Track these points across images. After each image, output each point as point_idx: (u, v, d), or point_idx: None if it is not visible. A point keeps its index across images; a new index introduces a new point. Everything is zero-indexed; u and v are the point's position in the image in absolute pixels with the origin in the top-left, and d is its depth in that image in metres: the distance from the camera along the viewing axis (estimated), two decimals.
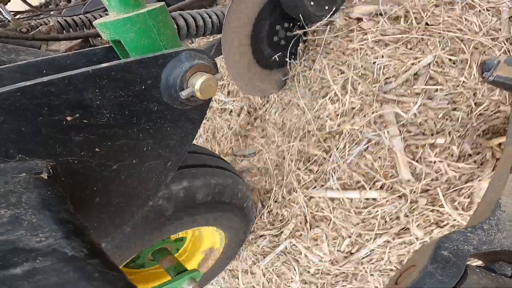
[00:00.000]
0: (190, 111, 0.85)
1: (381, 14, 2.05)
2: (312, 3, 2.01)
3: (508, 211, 0.83)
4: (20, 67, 0.81)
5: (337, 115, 2.01)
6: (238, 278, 2.35)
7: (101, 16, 2.62)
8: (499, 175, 1.01)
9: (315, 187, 2.05)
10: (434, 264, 0.71)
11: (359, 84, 1.98)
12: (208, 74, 0.76)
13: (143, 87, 0.75)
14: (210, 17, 1.87)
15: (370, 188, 1.88)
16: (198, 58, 0.78)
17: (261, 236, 2.26)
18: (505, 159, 1.07)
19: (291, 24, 2.20)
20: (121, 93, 0.72)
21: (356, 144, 1.92)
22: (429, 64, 1.82)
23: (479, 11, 1.80)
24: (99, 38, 2.28)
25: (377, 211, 1.85)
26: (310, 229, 2.06)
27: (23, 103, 0.61)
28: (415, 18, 1.92)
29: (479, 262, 0.83)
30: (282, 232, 2.18)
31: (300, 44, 2.30)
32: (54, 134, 0.66)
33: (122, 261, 1.49)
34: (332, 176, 1.97)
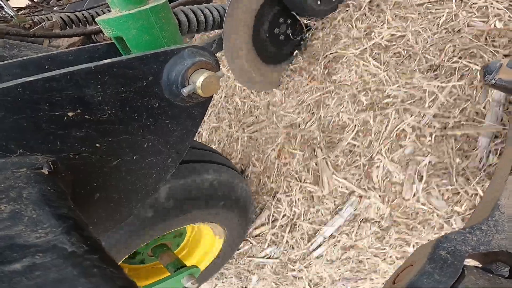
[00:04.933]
0: (191, 108, 0.85)
1: None
2: None
3: (506, 212, 0.84)
4: (22, 62, 0.81)
5: None
6: None
7: (104, 13, 2.62)
8: (498, 176, 1.01)
9: None
10: (432, 264, 0.71)
11: None
12: (210, 72, 0.76)
13: (145, 84, 0.75)
14: (211, 12, 1.86)
15: None
16: (200, 55, 0.78)
17: None
18: (504, 160, 1.07)
19: (292, 18, 2.19)
20: (122, 89, 0.72)
21: None
22: None
23: None
24: (102, 34, 2.28)
25: None
26: None
27: (24, 99, 0.61)
28: None
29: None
30: None
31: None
32: (55, 130, 0.67)
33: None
34: None
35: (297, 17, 2.17)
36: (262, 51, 2.16)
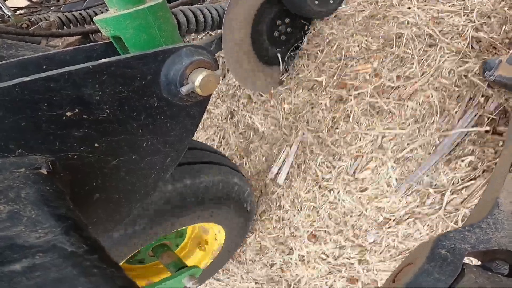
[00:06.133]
0: (190, 107, 0.85)
1: None
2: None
3: (506, 210, 0.84)
4: (20, 62, 0.81)
5: None
6: None
7: (102, 12, 2.62)
8: (498, 174, 1.01)
9: None
10: (432, 262, 0.71)
11: None
12: (208, 70, 0.76)
13: (143, 83, 0.74)
14: (210, 13, 1.86)
15: None
16: (198, 54, 0.78)
17: None
18: (504, 158, 1.07)
19: (292, 19, 2.19)
20: (120, 88, 0.72)
21: None
22: None
23: None
24: (99, 34, 2.27)
25: None
26: None
27: (23, 99, 0.61)
28: None
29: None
30: None
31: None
32: (53, 130, 0.66)
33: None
34: None
35: (297, 17, 2.17)
36: (261, 52, 2.16)
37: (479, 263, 0.80)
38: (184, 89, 0.75)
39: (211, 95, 0.84)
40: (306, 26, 2.29)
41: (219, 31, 1.94)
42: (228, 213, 1.77)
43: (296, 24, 2.24)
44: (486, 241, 0.77)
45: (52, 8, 3.69)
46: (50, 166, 0.64)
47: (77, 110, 0.68)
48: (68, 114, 0.67)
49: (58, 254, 0.43)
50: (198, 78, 0.75)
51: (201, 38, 2.92)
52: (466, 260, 0.73)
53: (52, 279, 0.40)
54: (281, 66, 2.32)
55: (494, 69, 1.30)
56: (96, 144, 0.74)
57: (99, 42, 0.92)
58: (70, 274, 0.40)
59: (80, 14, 2.47)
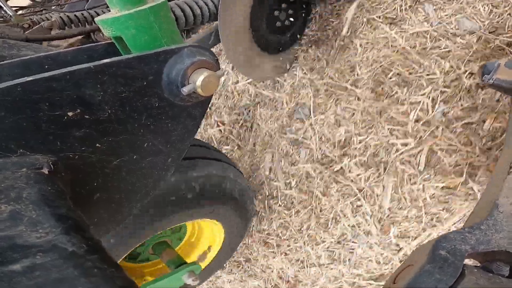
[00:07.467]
0: (191, 107, 0.85)
1: None
2: None
3: (505, 211, 0.84)
4: (22, 62, 0.81)
5: None
6: None
7: (104, 12, 2.62)
8: (497, 175, 1.01)
9: None
10: (432, 263, 0.71)
11: None
12: (210, 71, 0.76)
13: (144, 83, 0.75)
14: (206, 4, 1.83)
15: None
16: (200, 54, 0.78)
17: None
18: (503, 160, 1.07)
19: (291, 5, 2.12)
20: (122, 89, 0.72)
21: None
22: None
23: None
24: (101, 34, 2.28)
25: None
26: None
27: (24, 99, 0.61)
28: None
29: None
30: None
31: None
32: (55, 130, 0.67)
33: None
34: None
35: (297, 3, 2.10)
36: (261, 39, 2.09)
37: (479, 264, 0.80)
38: (185, 90, 0.75)
39: (212, 95, 0.84)
40: (307, 12, 2.23)
41: (215, 23, 1.88)
42: (227, 210, 1.77)
43: (297, 10, 2.16)
44: (485, 242, 0.77)
45: (53, 7, 3.70)
46: (51, 166, 0.64)
47: (78, 110, 0.68)
48: (69, 114, 0.67)
49: (59, 254, 0.43)
50: (199, 79, 0.75)
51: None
52: (466, 261, 0.73)
53: (52, 279, 0.40)
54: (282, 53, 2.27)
55: (492, 72, 1.29)
56: (97, 144, 0.74)
57: (101, 43, 0.93)
58: (70, 274, 0.41)
59: (82, 14, 2.47)
